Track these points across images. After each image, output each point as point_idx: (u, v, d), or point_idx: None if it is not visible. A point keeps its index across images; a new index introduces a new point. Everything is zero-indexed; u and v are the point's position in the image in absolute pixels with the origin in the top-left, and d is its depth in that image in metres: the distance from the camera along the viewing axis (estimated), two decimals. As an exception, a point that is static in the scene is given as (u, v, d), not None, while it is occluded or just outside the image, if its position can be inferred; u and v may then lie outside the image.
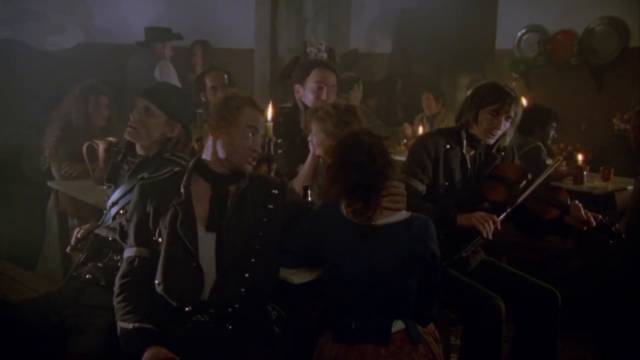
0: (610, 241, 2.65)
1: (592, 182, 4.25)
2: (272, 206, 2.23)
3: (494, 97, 2.71)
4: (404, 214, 2.20)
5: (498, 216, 2.57)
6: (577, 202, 2.64)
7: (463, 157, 2.80)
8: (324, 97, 3.23)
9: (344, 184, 2.16)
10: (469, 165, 2.80)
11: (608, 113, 5.62)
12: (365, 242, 2.15)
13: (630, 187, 3.82)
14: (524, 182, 2.73)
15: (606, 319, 3.30)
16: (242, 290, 2.10)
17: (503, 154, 2.87)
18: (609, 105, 5.67)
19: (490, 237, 2.52)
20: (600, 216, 2.62)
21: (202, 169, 2.21)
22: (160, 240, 2.12)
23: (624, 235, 2.62)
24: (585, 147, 5.08)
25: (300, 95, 3.30)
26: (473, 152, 2.82)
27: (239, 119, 2.18)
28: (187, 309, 2.06)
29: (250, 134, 2.20)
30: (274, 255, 2.21)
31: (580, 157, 4.33)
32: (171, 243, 2.10)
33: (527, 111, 4.28)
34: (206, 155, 2.23)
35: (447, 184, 2.77)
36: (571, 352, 3.41)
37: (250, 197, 2.20)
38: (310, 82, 3.26)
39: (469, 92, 2.86)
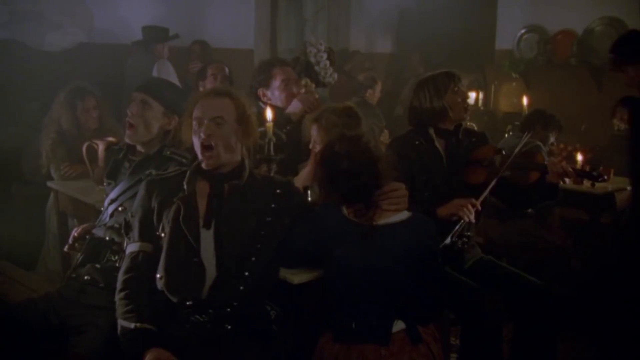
0: (595, 183, 2.76)
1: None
2: (275, 206, 2.23)
3: (447, 78, 2.86)
4: (405, 214, 2.21)
5: (480, 197, 2.63)
6: (552, 158, 2.70)
7: (436, 149, 2.85)
8: (294, 91, 3.26)
9: (339, 193, 2.19)
10: (442, 156, 2.85)
11: (608, 113, 5.61)
12: (366, 241, 2.15)
13: (630, 187, 3.81)
14: (500, 157, 2.81)
15: (606, 319, 3.30)
16: (241, 288, 2.10)
17: (474, 139, 2.93)
18: (609, 105, 5.66)
19: (473, 220, 2.59)
20: (577, 167, 2.79)
21: (200, 167, 2.23)
22: (163, 235, 2.13)
23: (606, 178, 2.71)
24: (585, 147, 5.08)
25: (268, 98, 3.29)
26: (444, 142, 2.88)
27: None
28: (187, 303, 2.06)
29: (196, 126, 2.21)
30: (274, 254, 2.21)
31: (580, 157, 4.33)
32: (174, 237, 2.11)
33: (530, 112, 4.42)
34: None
35: (425, 178, 2.80)
36: (571, 352, 3.41)
37: (252, 196, 2.21)
38: (276, 82, 3.27)
39: (413, 98, 2.91)
